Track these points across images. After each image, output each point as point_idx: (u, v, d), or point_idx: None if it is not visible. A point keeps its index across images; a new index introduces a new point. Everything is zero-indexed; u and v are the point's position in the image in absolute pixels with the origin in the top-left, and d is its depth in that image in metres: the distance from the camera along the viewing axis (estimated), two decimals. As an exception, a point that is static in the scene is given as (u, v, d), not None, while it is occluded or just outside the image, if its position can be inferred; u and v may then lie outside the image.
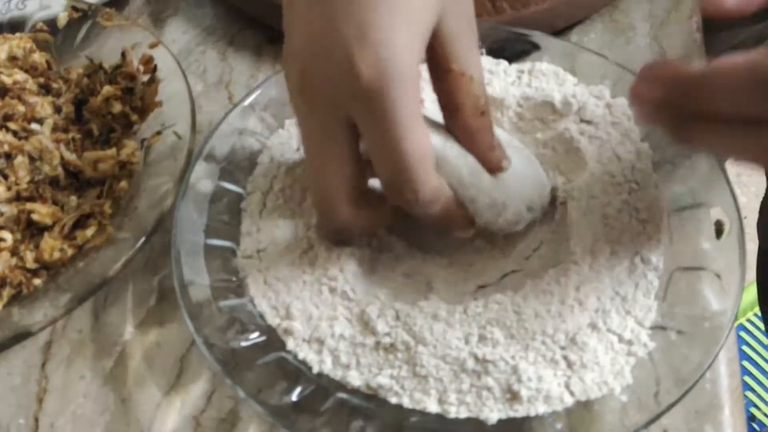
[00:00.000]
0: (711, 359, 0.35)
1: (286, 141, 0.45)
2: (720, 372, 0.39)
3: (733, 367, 0.39)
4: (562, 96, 0.44)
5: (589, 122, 0.44)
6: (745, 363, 1.21)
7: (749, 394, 1.19)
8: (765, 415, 1.18)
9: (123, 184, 0.43)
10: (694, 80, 0.29)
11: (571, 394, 0.35)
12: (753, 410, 1.17)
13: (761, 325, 1.20)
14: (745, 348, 1.24)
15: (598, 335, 0.36)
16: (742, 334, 1.25)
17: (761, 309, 0.70)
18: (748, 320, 1.26)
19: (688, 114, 0.29)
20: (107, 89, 0.45)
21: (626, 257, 0.39)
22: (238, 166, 0.44)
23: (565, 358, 0.35)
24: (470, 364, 0.35)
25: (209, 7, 0.56)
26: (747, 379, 1.20)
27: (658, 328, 0.37)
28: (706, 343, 0.36)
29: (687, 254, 0.40)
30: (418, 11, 0.32)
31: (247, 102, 0.46)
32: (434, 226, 0.38)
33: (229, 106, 0.51)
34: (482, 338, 0.36)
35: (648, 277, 0.39)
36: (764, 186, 0.70)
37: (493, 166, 0.38)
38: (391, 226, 0.41)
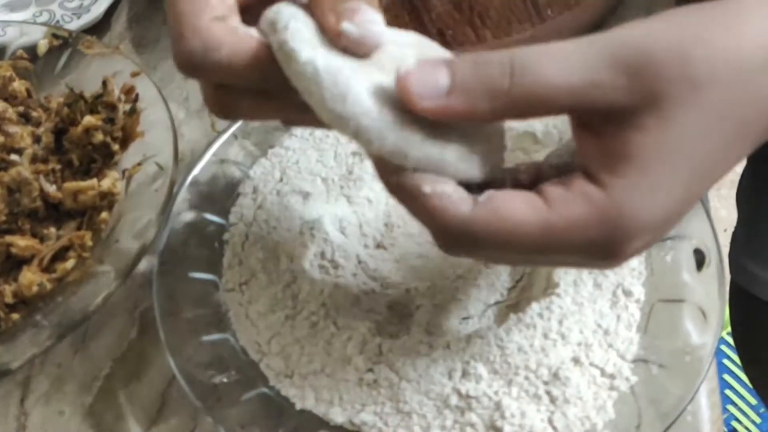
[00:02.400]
0: (692, 393, 0.36)
1: (269, 171, 0.45)
2: (701, 404, 0.39)
3: (714, 398, 0.40)
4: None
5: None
6: (726, 376, 1.22)
7: (730, 407, 1.20)
8: (746, 428, 1.19)
9: (104, 215, 0.43)
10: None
11: (554, 429, 0.35)
12: (734, 424, 1.18)
13: (741, 340, 1.21)
14: (725, 361, 1.25)
15: (581, 369, 0.36)
16: (723, 347, 1.26)
17: (734, 341, 0.70)
18: (729, 333, 1.27)
19: None
20: (88, 119, 0.44)
21: (608, 289, 0.39)
22: (220, 196, 0.44)
23: (548, 393, 0.36)
24: (454, 400, 0.35)
25: (191, 32, 0.56)
26: (728, 392, 1.21)
27: (639, 361, 0.37)
28: (687, 377, 0.36)
29: (668, 286, 0.40)
30: None
31: (229, 131, 0.46)
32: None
33: (211, 133, 0.51)
34: (465, 374, 0.36)
35: (630, 309, 0.39)
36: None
37: (329, 28, 0.27)
38: None
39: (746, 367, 0.72)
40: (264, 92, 0.30)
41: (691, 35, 0.25)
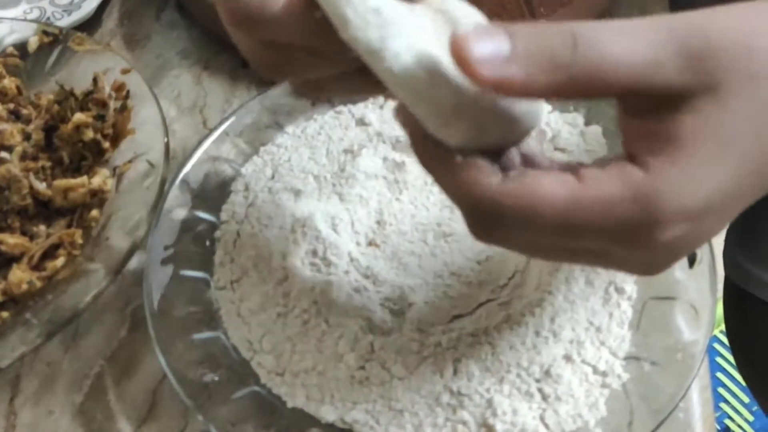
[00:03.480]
0: (684, 390, 0.36)
1: (261, 169, 0.45)
2: (693, 401, 0.39)
3: (706, 395, 0.40)
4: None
5: (563, 150, 0.44)
6: (719, 374, 1.22)
7: (723, 405, 1.20)
8: (739, 426, 1.19)
9: (94, 213, 0.43)
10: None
11: (546, 427, 0.35)
12: (727, 422, 1.19)
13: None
14: (719, 360, 1.25)
15: (573, 367, 0.36)
16: (716, 345, 1.26)
17: (728, 338, 0.70)
18: (722, 332, 1.27)
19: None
20: (78, 117, 0.44)
21: (600, 287, 0.39)
22: (212, 194, 0.44)
23: (540, 390, 0.35)
24: (445, 397, 0.35)
25: (183, 29, 0.56)
26: (721, 390, 1.21)
27: (632, 359, 0.37)
28: (679, 374, 0.36)
29: (660, 283, 0.40)
30: None
31: (221, 129, 0.46)
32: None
33: (203, 130, 0.51)
34: (457, 371, 0.36)
35: (622, 307, 0.39)
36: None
37: None
38: None
39: (739, 365, 0.72)
40: (316, 50, 0.29)
41: (753, 27, 0.24)
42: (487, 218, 0.25)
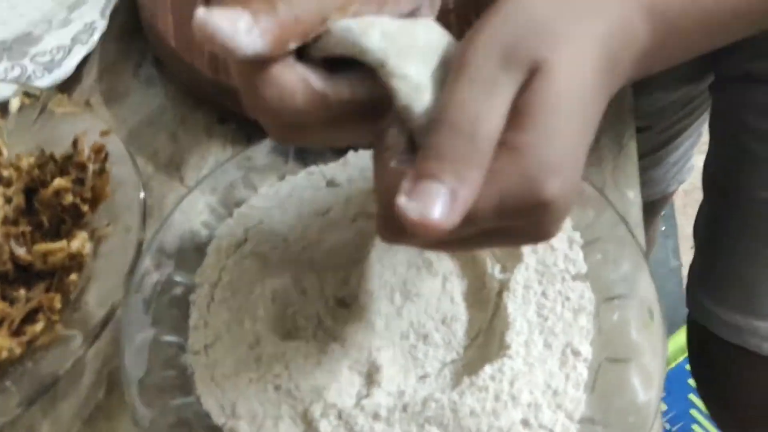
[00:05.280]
0: (635, 453, 0.38)
1: (233, 231, 0.46)
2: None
3: (658, 454, 0.42)
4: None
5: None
6: (691, 396, 1.25)
7: (696, 428, 1.23)
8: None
9: (73, 277, 0.44)
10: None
11: (505, 490, 0.37)
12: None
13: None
14: (690, 381, 1.28)
15: (530, 431, 0.38)
16: (687, 367, 1.28)
17: (692, 373, 0.72)
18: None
19: None
20: (58, 182, 0.45)
21: (558, 348, 0.41)
22: (188, 255, 0.46)
23: (499, 455, 0.37)
24: (409, 463, 0.37)
25: (160, 86, 0.57)
26: (693, 412, 1.24)
27: (586, 421, 0.39)
28: (631, 436, 0.38)
29: (615, 345, 0.42)
30: None
31: (197, 190, 0.47)
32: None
33: (180, 188, 0.52)
34: (421, 437, 0.38)
35: (578, 369, 0.41)
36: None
37: None
38: None
39: (704, 398, 0.75)
40: (332, 121, 0.32)
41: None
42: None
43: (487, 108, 0.29)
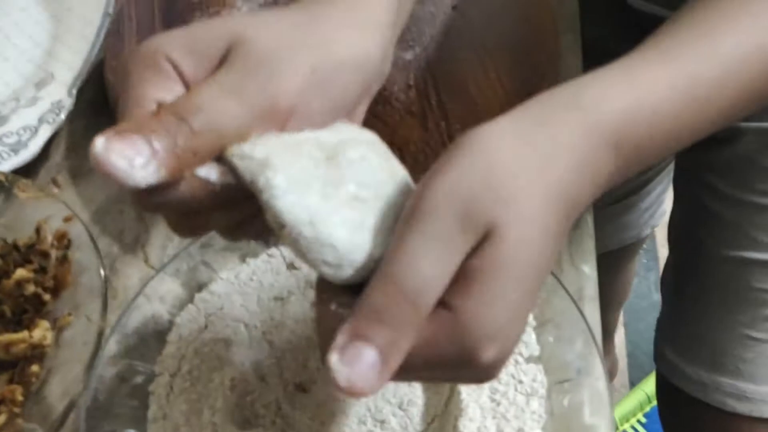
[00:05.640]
0: None
1: (194, 318, 0.47)
2: None
3: None
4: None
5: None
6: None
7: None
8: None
9: (34, 368, 0.45)
10: None
11: None
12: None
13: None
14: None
15: None
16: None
17: (663, 427, 0.73)
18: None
19: None
20: (20, 273, 0.46)
21: (510, 435, 0.42)
22: (149, 343, 0.46)
23: None
24: None
25: (127, 163, 0.58)
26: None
27: None
28: None
29: (566, 429, 0.43)
30: None
31: (160, 271, 0.48)
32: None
33: (144, 268, 0.53)
34: None
35: (530, 456, 0.42)
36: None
37: None
38: None
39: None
40: (226, 206, 0.32)
41: (511, 170, 0.30)
42: None
43: (438, 273, 0.28)
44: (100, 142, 0.27)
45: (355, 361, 0.27)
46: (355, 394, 0.28)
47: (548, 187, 0.30)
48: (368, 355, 0.28)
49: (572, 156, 0.32)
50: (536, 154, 0.31)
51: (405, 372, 0.29)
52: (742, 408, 0.62)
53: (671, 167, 0.89)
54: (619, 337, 1.28)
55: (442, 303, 0.29)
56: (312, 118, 0.33)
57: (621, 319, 1.27)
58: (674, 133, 0.36)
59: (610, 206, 0.95)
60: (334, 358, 0.27)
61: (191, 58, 0.31)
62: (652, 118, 0.34)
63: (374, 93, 0.38)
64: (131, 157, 0.27)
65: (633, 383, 1.24)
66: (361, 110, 0.37)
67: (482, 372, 0.31)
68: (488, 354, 0.29)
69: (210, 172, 0.31)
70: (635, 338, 1.25)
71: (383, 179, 0.32)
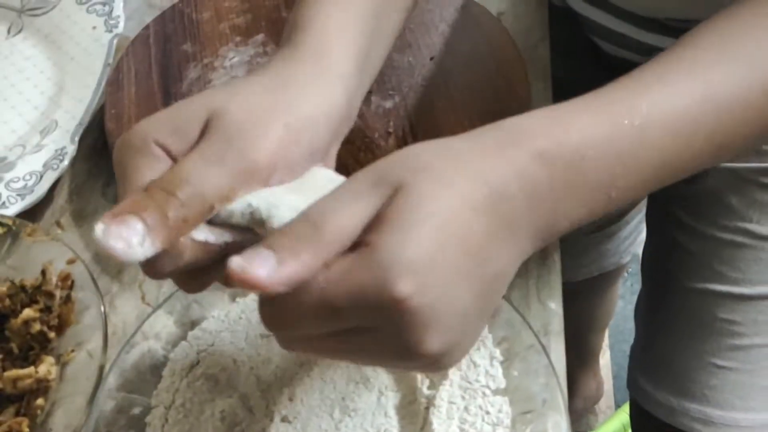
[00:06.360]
0: None
1: (187, 354, 0.51)
2: None
3: None
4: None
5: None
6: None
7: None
8: None
9: (40, 401, 0.49)
10: (279, 311, 0.33)
11: None
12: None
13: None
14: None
15: None
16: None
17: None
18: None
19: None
20: (27, 313, 0.50)
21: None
22: (146, 377, 0.50)
23: None
24: None
25: (126, 205, 0.62)
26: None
27: None
28: None
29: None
30: None
31: (156, 309, 0.52)
32: None
33: (141, 306, 0.57)
34: None
35: (496, 484, 0.45)
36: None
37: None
38: None
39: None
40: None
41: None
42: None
43: (342, 208, 0.32)
44: (99, 229, 0.31)
45: (255, 258, 0.30)
46: (247, 280, 0.30)
47: (465, 165, 0.34)
48: (267, 255, 0.30)
49: (486, 153, 0.35)
50: (452, 152, 0.35)
51: (330, 306, 0.31)
52: (709, 432, 0.65)
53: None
54: (605, 359, 1.31)
55: (360, 243, 0.32)
56: (292, 168, 0.38)
57: (606, 341, 1.30)
58: (633, 153, 0.37)
59: (591, 234, 0.99)
60: (235, 259, 0.30)
61: (175, 136, 0.36)
62: (579, 141, 0.36)
63: (344, 135, 0.43)
64: (128, 238, 0.31)
65: (618, 404, 1.27)
66: (333, 152, 0.42)
67: (405, 321, 0.31)
68: (405, 284, 0.30)
69: (208, 235, 0.35)
70: (621, 360, 1.28)
71: None
